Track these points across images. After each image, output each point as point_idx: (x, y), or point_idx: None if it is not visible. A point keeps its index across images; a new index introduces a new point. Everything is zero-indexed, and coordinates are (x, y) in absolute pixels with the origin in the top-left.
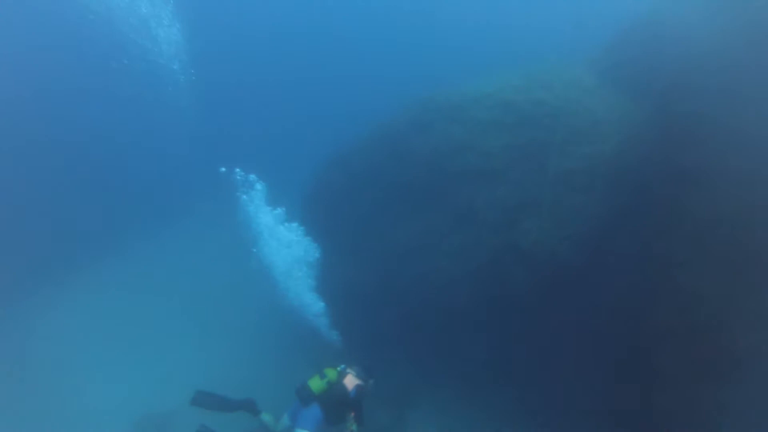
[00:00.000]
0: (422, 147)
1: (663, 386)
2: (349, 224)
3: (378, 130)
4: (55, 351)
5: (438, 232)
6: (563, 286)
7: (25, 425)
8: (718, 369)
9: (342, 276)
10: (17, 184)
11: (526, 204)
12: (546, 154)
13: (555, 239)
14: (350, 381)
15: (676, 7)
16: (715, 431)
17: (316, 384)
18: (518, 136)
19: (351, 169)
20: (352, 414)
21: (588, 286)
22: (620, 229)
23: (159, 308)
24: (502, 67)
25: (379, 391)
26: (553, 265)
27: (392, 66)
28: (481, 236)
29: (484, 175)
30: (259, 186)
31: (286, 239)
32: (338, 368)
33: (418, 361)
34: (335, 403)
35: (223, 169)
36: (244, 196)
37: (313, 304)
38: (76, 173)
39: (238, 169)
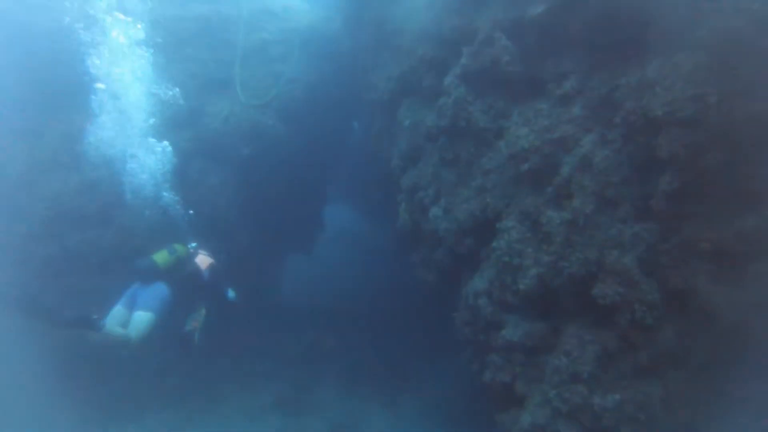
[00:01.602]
0: None
1: None
2: None
3: None
4: None
5: None
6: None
7: None
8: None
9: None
10: None
11: (215, 82)
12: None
13: (255, 110)
14: (203, 260)
15: None
16: None
17: (162, 257)
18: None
19: None
20: (202, 311)
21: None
22: (319, 94)
23: None
24: None
25: (232, 273)
26: (263, 134)
27: None
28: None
29: (163, 51)
30: None
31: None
32: (190, 246)
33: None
34: (185, 282)
35: None
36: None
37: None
38: None
39: None
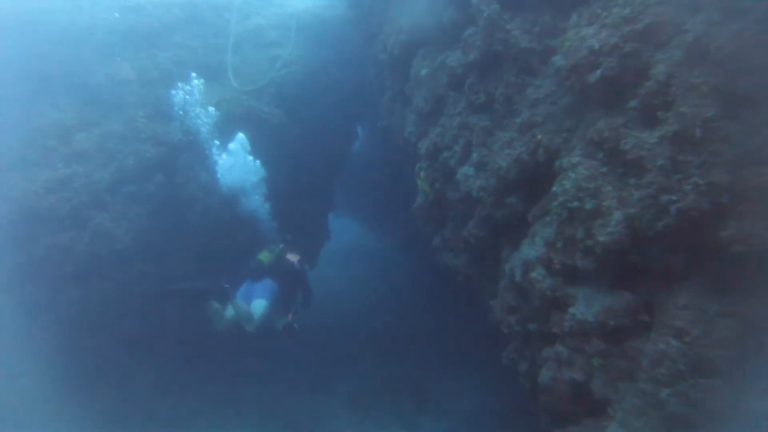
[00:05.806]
0: None
1: None
2: None
3: None
4: None
5: None
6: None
7: None
8: None
9: None
10: None
11: (206, 69)
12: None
13: (248, 95)
14: (292, 257)
15: None
16: None
17: (265, 256)
18: None
19: None
20: (291, 315)
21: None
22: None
23: None
24: None
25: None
26: (258, 121)
27: None
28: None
29: (147, 38)
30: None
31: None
32: (279, 246)
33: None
34: (285, 275)
35: None
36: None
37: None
38: None
39: None
